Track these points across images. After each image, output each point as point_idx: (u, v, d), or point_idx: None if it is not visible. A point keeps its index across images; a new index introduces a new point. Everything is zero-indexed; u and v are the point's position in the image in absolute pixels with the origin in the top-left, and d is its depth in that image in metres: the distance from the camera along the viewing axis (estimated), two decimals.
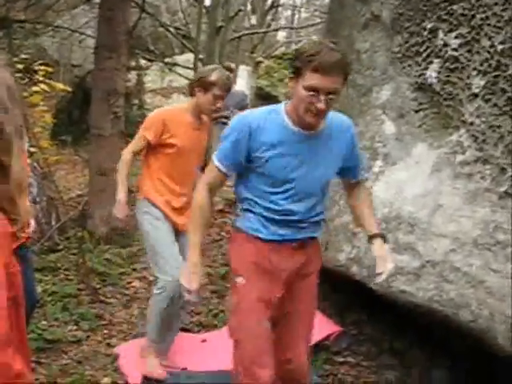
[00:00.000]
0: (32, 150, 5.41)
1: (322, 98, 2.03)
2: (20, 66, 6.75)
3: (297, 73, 2.09)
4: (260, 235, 2.32)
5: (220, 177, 2.33)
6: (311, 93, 2.04)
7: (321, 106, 2.04)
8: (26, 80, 8.31)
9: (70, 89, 8.96)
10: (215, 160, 2.31)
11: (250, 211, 2.34)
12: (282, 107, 2.25)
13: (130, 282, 5.02)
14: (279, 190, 2.26)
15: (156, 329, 3.32)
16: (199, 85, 3.21)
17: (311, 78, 2.02)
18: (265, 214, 2.29)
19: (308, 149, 2.23)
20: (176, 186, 3.30)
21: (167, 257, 3.19)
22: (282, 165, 2.21)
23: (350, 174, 2.46)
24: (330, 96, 2.05)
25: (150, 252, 3.33)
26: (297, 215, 2.29)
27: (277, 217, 2.28)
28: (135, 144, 3.29)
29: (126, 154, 3.28)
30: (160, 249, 3.23)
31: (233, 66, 9.42)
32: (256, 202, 2.30)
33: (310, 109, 2.07)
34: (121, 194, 3.27)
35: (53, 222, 5.72)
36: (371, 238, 2.40)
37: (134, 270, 5.31)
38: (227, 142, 2.26)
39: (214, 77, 3.16)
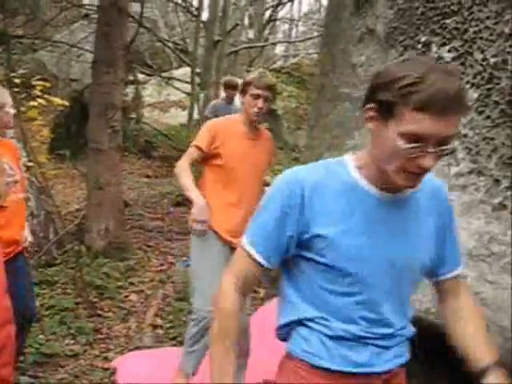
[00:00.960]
0: (30, 164, 5.42)
1: (431, 150, 1.29)
2: (18, 81, 6.80)
3: (384, 110, 1.32)
4: (322, 363, 1.47)
5: (254, 269, 1.48)
6: (413, 144, 1.28)
7: (427, 163, 1.30)
8: (24, 95, 8.35)
9: (67, 103, 9.00)
10: (246, 243, 1.49)
11: (305, 325, 1.50)
12: (348, 159, 1.50)
13: (127, 296, 5.03)
14: (350, 289, 1.44)
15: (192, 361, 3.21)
16: (241, 91, 3.14)
17: (413, 121, 1.26)
18: (328, 327, 1.46)
19: (392, 221, 1.46)
20: (233, 198, 3.12)
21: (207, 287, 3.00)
22: (352, 248, 1.42)
23: (442, 266, 1.66)
24: (443, 147, 1.31)
25: (194, 277, 3.19)
26: (378, 326, 1.48)
27: (347, 331, 1.46)
28: (190, 155, 3.11)
29: (182, 164, 3.07)
30: (204, 276, 3.07)
31: (238, 80, 7.45)
32: (313, 311, 1.48)
33: (409, 167, 1.33)
34: (196, 193, 2.94)
35: (50, 236, 5.72)
36: (483, 370, 1.59)
37: (132, 283, 5.32)
38: (266, 216, 1.47)
39: (249, 77, 3.10)
